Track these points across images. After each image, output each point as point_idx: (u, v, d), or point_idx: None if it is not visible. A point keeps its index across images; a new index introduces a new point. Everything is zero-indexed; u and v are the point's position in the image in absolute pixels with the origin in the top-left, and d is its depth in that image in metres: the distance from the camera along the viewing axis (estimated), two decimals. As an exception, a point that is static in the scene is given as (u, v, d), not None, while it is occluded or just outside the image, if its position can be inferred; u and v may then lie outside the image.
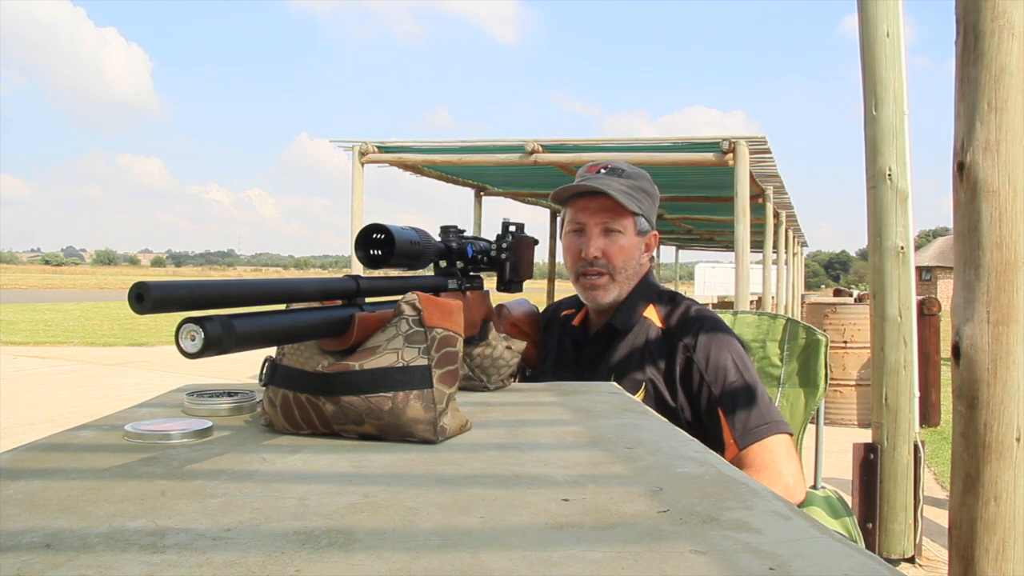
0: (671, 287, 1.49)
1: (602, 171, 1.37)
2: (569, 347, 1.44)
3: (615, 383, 1.20)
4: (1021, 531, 1.28)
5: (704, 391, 1.28)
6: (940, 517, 3.27)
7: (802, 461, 1.66)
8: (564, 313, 1.49)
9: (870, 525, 2.52)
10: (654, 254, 1.45)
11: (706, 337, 1.31)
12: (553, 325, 1.50)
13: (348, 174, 5.73)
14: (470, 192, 8.75)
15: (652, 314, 1.38)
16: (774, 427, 1.25)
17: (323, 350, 0.74)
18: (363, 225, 0.81)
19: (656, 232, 1.42)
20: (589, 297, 1.37)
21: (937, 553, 2.99)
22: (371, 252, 0.82)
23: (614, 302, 1.37)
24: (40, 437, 0.73)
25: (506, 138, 5.68)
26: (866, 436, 2.62)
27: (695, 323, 1.34)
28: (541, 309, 1.43)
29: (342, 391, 0.71)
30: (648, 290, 1.40)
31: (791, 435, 1.28)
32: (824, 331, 1.74)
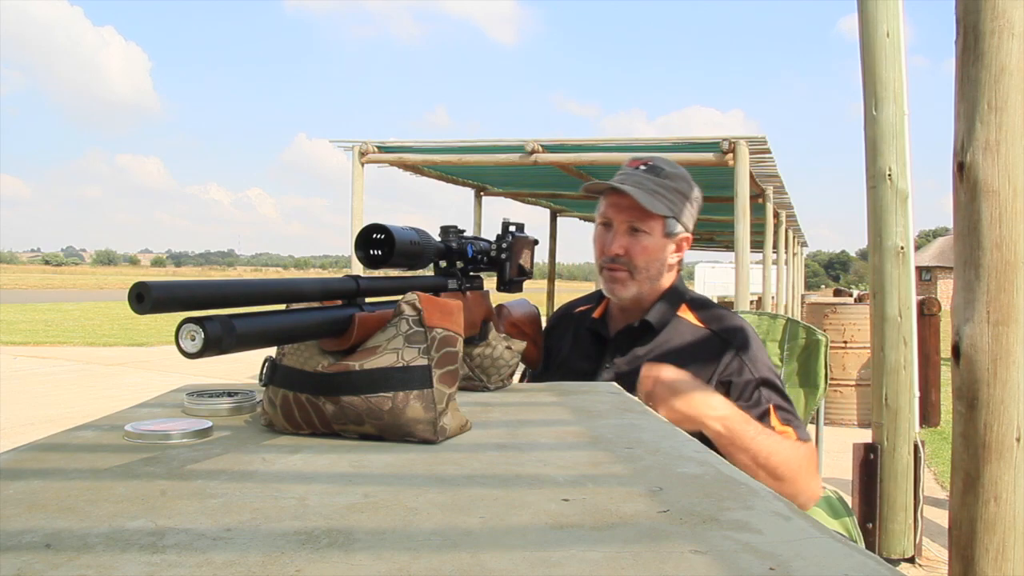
0: None
1: (641, 167, 1.38)
2: (587, 338, 1.45)
3: (615, 383, 1.20)
4: (1021, 531, 1.27)
5: (756, 396, 1.31)
6: (940, 517, 3.27)
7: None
8: (579, 310, 1.51)
9: (870, 525, 2.52)
10: (683, 256, 1.46)
11: (753, 347, 1.35)
12: (566, 321, 1.52)
13: (347, 174, 5.73)
14: (470, 192, 8.74)
15: (687, 314, 1.40)
16: (805, 432, 1.31)
17: (323, 350, 0.74)
18: (363, 225, 0.81)
19: (689, 235, 1.42)
20: (608, 290, 1.40)
21: (937, 553, 2.99)
22: (371, 252, 0.82)
23: (633, 299, 1.39)
24: (40, 437, 0.73)
25: (506, 138, 5.68)
26: (866, 436, 2.62)
27: (741, 332, 1.37)
28: (541, 309, 1.44)
29: (342, 391, 0.71)
30: (679, 293, 1.43)
31: None
32: (824, 331, 1.74)
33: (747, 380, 1.31)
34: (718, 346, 1.34)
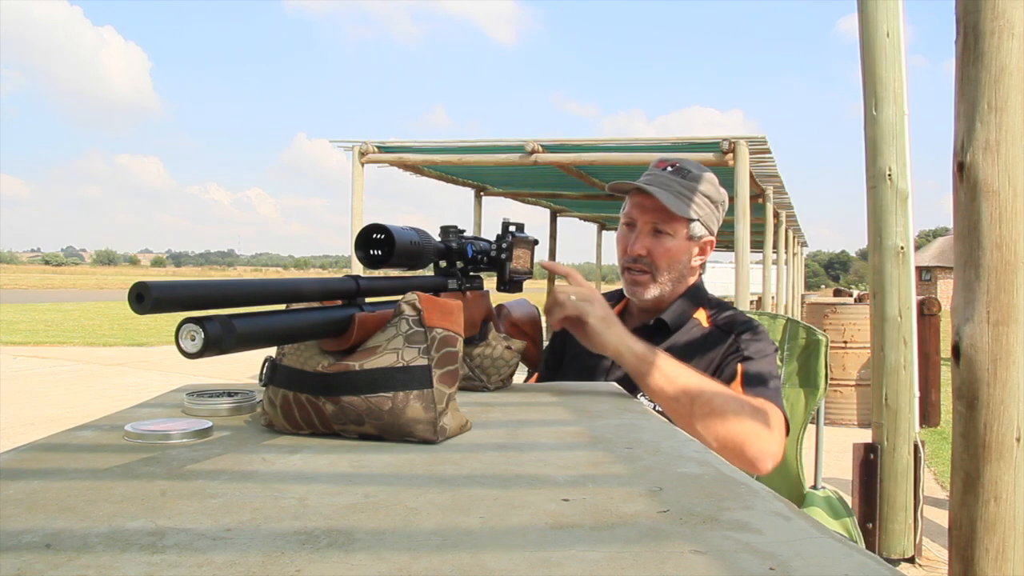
0: None
1: (668, 169, 1.38)
2: None
3: (615, 383, 1.20)
4: (1021, 531, 1.27)
5: (732, 368, 1.29)
6: (940, 517, 3.27)
7: (802, 461, 1.66)
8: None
9: (870, 525, 2.52)
10: (706, 259, 1.45)
11: (756, 336, 1.34)
12: None
13: (347, 174, 5.74)
14: (470, 192, 8.75)
15: (701, 316, 1.40)
16: (778, 402, 1.24)
17: (323, 350, 0.74)
18: (363, 225, 0.81)
19: (713, 239, 1.42)
20: (630, 291, 1.41)
21: (937, 553, 2.99)
22: (371, 252, 0.82)
23: (654, 299, 1.39)
24: (40, 437, 0.73)
25: (506, 138, 5.68)
26: (866, 436, 2.62)
27: (748, 325, 1.36)
28: (541, 309, 1.44)
29: (342, 391, 0.71)
30: (699, 295, 1.43)
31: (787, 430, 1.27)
32: (824, 331, 1.74)
33: (733, 356, 1.31)
34: (719, 338, 1.35)
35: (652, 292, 1.38)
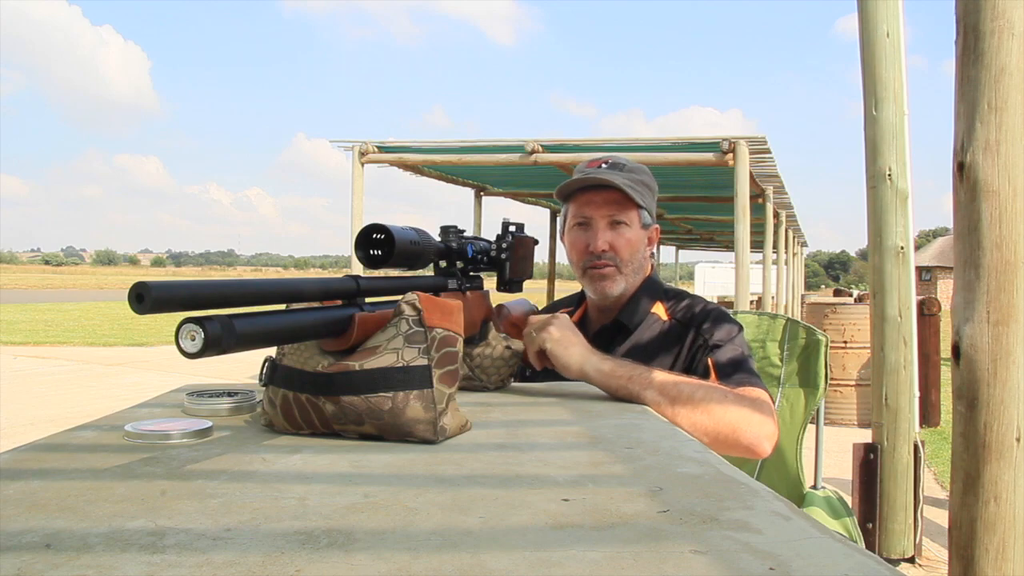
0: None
1: (603, 166, 1.39)
2: None
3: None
4: (1021, 531, 1.27)
5: (703, 355, 1.28)
6: (940, 517, 3.27)
7: (802, 461, 1.66)
8: (562, 311, 1.50)
9: (870, 525, 2.52)
10: (655, 249, 1.45)
11: (716, 322, 1.33)
12: None
13: (347, 174, 5.74)
14: (470, 192, 8.74)
15: (659, 310, 1.39)
16: (759, 384, 1.23)
17: (323, 350, 0.74)
18: (363, 225, 0.81)
19: (657, 226, 1.44)
20: (597, 289, 1.38)
21: (937, 553, 2.99)
22: (371, 252, 0.82)
23: (621, 295, 1.38)
24: (40, 437, 0.73)
25: (506, 138, 5.68)
26: (866, 436, 2.62)
27: (705, 313, 1.36)
28: (540, 309, 1.44)
29: (342, 391, 0.71)
30: (655, 287, 1.42)
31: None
32: (824, 331, 1.74)
33: (701, 351, 1.30)
34: (680, 332, 1.34)
35: (620, 285, 1.37)
